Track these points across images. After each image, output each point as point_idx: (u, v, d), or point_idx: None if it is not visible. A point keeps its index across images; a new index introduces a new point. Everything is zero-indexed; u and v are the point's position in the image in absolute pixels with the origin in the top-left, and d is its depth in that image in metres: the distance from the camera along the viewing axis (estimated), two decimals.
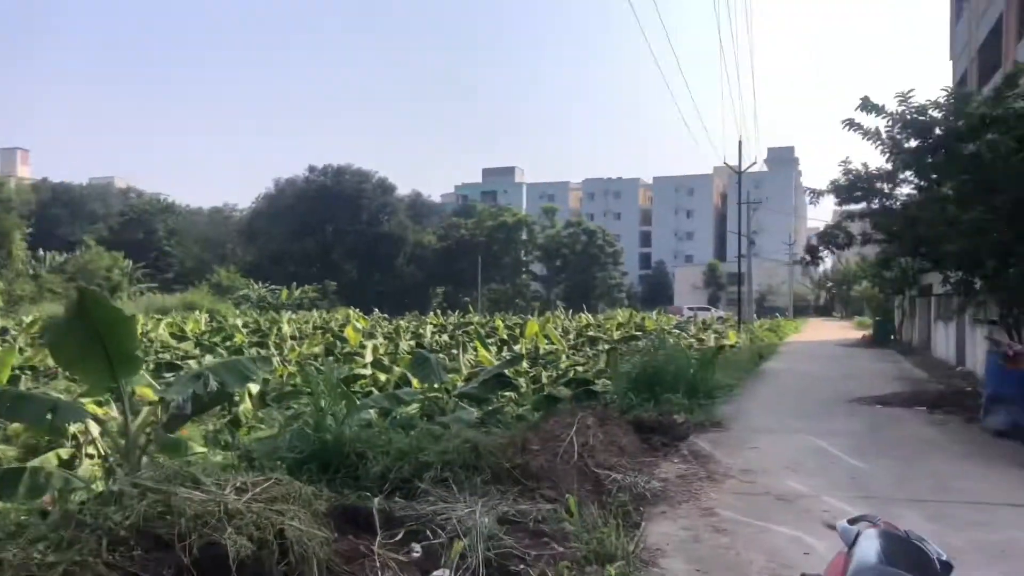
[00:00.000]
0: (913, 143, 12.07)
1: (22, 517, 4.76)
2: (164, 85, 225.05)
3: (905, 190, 14.26)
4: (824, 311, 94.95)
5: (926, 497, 7.30)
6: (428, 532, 5.65)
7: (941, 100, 11.54)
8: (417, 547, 5.49)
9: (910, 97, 11.71)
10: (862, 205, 13.98)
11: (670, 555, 5.79)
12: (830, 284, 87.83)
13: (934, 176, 11.87)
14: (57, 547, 3.99)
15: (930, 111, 11.60)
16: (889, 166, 12.98)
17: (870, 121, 12.40)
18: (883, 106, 11.92)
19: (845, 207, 14.50)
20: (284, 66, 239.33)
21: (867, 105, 12.01)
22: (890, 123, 12.09)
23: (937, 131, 10.76)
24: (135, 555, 4.02)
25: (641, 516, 6.76)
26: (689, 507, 7.08)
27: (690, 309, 73.02)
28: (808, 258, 15.69)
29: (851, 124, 12.51)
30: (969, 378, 17.93)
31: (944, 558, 2.67)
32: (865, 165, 14.27)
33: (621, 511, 6.62)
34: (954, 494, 7.40)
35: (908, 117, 11.45)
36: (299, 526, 4.70)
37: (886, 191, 14.36)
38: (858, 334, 41.44)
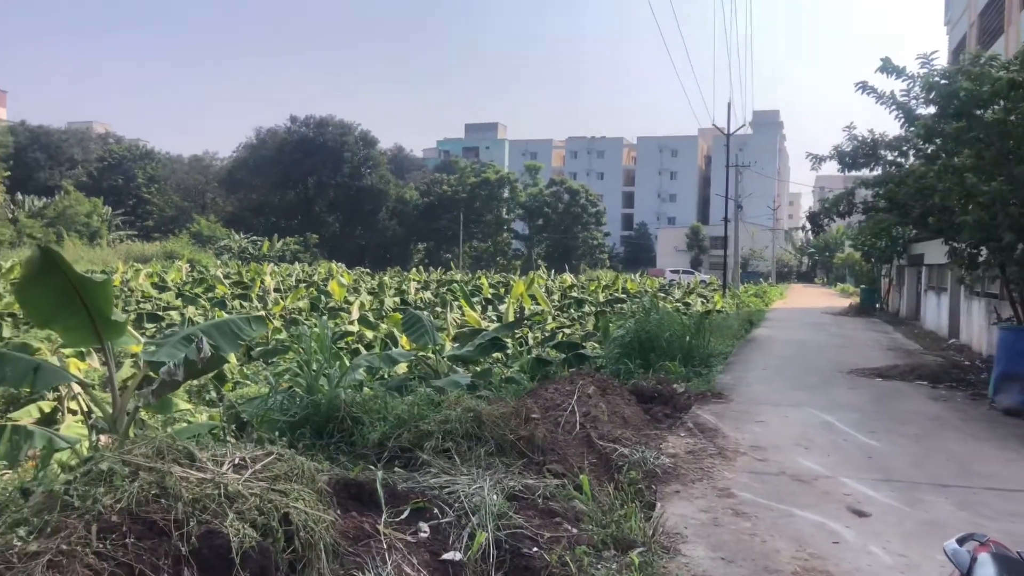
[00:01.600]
0: (931, 109, 11.66)
1: None
2: (142, 29, 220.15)
3: (911, 159, 13.93)
4: (806, 277, 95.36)
5: (949, 482, 7.02)
6: (436, 509, 5.31)
7: (965, 65, 11.13)
8: (425, 527, 5.14)
9: (933, 59, 11.28)
10: (875, 172, 13.61)
11: (691, 541, 5.47)
12: (812, 251, 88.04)
13: (949, 145, 11.49)
14: (40, 533, 3.55)
15: (956, 76, 11.18)
16: (901, 132, 12.58)
17: (886, 85, 12.01)
18: (904, 68, 11.48)
19: (852, 173, 14.13)
20: (267, 12, 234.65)
21: (887, 67, 11.57)
22: (907, 87, 11.68)
23: (961, 96, 10.33)
24: (128, 543, 3.59)
25: (654, 495, 6.44)
26: (704, 486, 6.76)
27: (673, 272, 72.99)
28: (809, 226, 15.35)
29: (865, 87, 12.09)
30: (965, 351, 17.79)
31: None
32: (871, 131, 13.92)
33: (633, 490, 6.31)
34: (978, 479, 7.13)
35: (933, 80, 11.00)
36: (304, 508, 4.31)
37: (890, 159, 14.02)
38: (842, 301, 41.43)
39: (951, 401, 11.51)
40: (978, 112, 10.65)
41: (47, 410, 9.38)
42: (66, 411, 9.41)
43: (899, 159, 13.86)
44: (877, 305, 35.40)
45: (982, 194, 10.21)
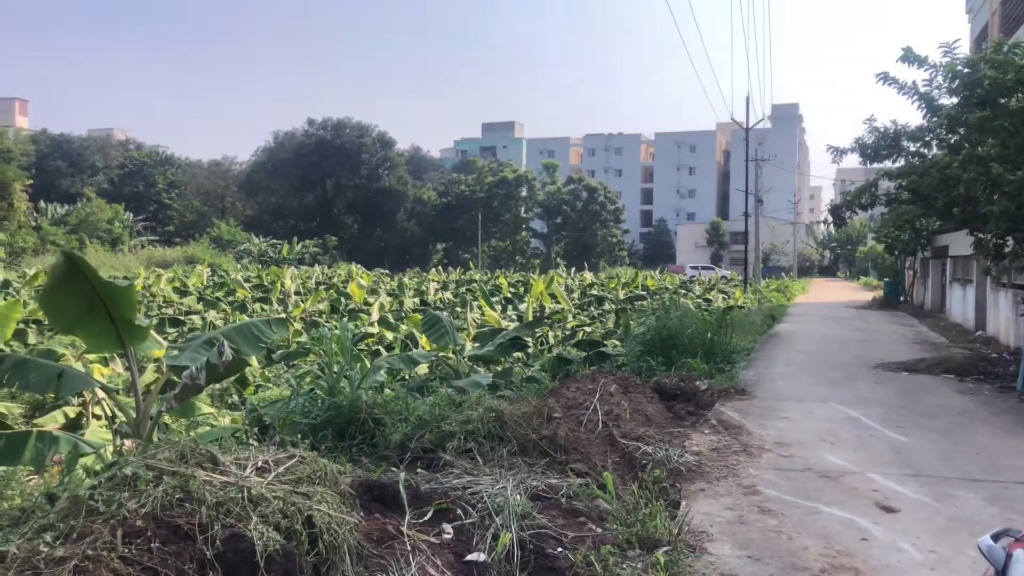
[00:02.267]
0: (954, 98, 11.50)
1: (26, 502, 4.35)
2: (161, 37, 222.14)
3: (934, 149, 13.76)
4: (828, 271, 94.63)
5: (979, 476, 6.93)
6: (459, 510, 5.29)
7: (988, 53, 10.97)
8: (448, 528, 5.13)
9: (955, 47, 11.12)
10: (898, 164, 13.46)
11: (717, 539, 5.43)
12: (834, 244, 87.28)
13: (973, 135, 11.32)
14: (66, 538, 3.58)
15: (980, 64, 11.00)
16: (924, 122, 12.42)
17: (907, 75, 11.89)
18: (926, 57, 11.33)
19: (874, 165, 13.97)
20: (282, 16, 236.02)
21: (909, 56, 11.42)
22: (929, 76, 11.52)
23: (985, 84, 10.16)
24: (153, 548, 3.61)
25: (679, 493, 6.39)
26: (729, 484, 6.70)
27: (693, 268, 72.72)
28: (830, 220, 15.19)
29: (886, 78, 11.95)
30: (992, 344, 17.57)
31: None
32: (894, 122, 13.76)
33: (658, 488, 6.27)
34: (1009, 473, 7.02)
35: (956, 68, 10.84)
36: (328, 511, 4.31)
37: (913, 150, 13.85)
38: (866, 295, 41.07)
39: (979, 394, 11.35)
40: (1003, 100, 10.49)
41: (72, 415, 9.49)
42: (91, 416, 9.51)
43: (922, 150, 13.69)
44: (901, 298, 35.05)
45: (1008, 183, 10.05)
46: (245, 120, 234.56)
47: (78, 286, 5.49)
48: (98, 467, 5.77)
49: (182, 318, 22.30)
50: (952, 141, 12.45)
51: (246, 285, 35.24)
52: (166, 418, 8.73)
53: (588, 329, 19.83)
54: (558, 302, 25.16)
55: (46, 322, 17.30)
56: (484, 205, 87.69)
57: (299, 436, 6.23)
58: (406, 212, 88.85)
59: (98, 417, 9.36)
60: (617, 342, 16.02)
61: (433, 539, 4.86)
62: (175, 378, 6.54)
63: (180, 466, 4.16)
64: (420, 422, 6.73)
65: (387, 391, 8.89)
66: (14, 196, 55.84)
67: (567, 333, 18.43)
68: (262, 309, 26.29)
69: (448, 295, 34.44)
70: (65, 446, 6.27)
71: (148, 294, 30.03)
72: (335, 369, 7.89)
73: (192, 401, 8.29)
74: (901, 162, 14.14)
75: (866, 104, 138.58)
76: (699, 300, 30.23)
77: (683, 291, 36.09)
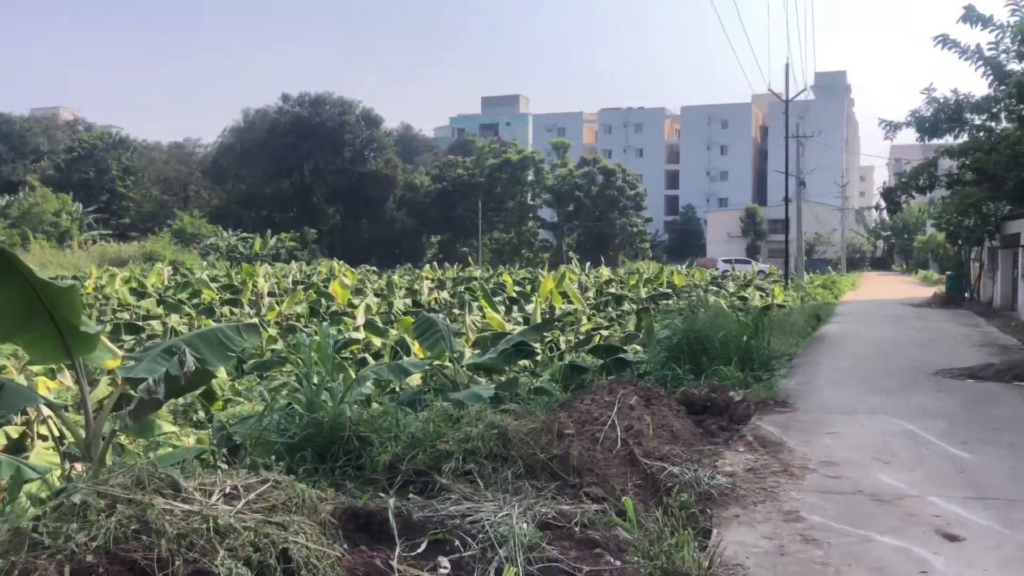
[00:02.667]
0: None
1: None
2: (112, 4, 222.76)
3: (1002, 122, 13.77)
4: (881, 264, 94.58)
5: None
6: (457, 541, 5.31)
7: None
8: (445, 562, 5.15)
9: None
10: (960, 139, 13.50)
11: (753, 572, 5.45)
12: (888, 233, 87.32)
13: None
14: None
15: None
16: (990, 91, 12.45)
17: (970, 37, 11.91)
18: (991, 17, 11.33)
19: (933, 141, 14.01)
20: None
21: (971, 15, 11.41)
22: (996, 38, 11.53)
23: None
24: None
25: (710, 520, 6.42)
26: (767, 509, 6.73)
27: (726, 262, 72.87)
28: (883, 204, 15.24)
29: (945, 41, 11.95)
30: None
31: None
32: (956, 92, 13.78)
33: (685, 515, 6.28)
34: None
35: None
36: (306, 543, 4.35)
37: (978, 123, 13.88)
38: (925, 291, 41.12)
39: None
40: None
41: (14, 436, 9.53)
42: (35, 436, 9.55)
43: (988, 123, 13.73)
44: (966, 294, 35.10)
45: None
46: (210, 96, 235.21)
47: (13, 285, 5.51)
48: (44, 494, 5.81)
49: (140, 324, 22.42)
50: (1020, 114, 12.48)
51: (213, 285, 35.37)
52: (121, 438, 8.78)
53: (605, 333, 19.92)
54: (570, 302, 25.22)
55: None
56: (485, 191, 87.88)
57: (273, 458, 6.26)
58: (395, 200, 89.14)
59: (44, 438, 9.40)
60: (638, 347, 16.09)
61: (427, 574, 4.89)
62: (131, 392, 6.59)
63: (136, 493, 4.20)
64: (412, 441, 6.77)
65: (375, 405, 8.95)
66: None
67: (581, 338, 18.50)
68: (231, 313, 26.42)
69: (444, 295, 34.60)
70: (6, 471, 6.31)
71: (100, 296, 30.19)
72: (315, 381, 7.94)
73: (151, 418, 8.32)
74: (964, 137, 14.17)
75: (924, 72, 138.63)
76: (733, 298, 30.33)
77: (714, 288, 36.18)
